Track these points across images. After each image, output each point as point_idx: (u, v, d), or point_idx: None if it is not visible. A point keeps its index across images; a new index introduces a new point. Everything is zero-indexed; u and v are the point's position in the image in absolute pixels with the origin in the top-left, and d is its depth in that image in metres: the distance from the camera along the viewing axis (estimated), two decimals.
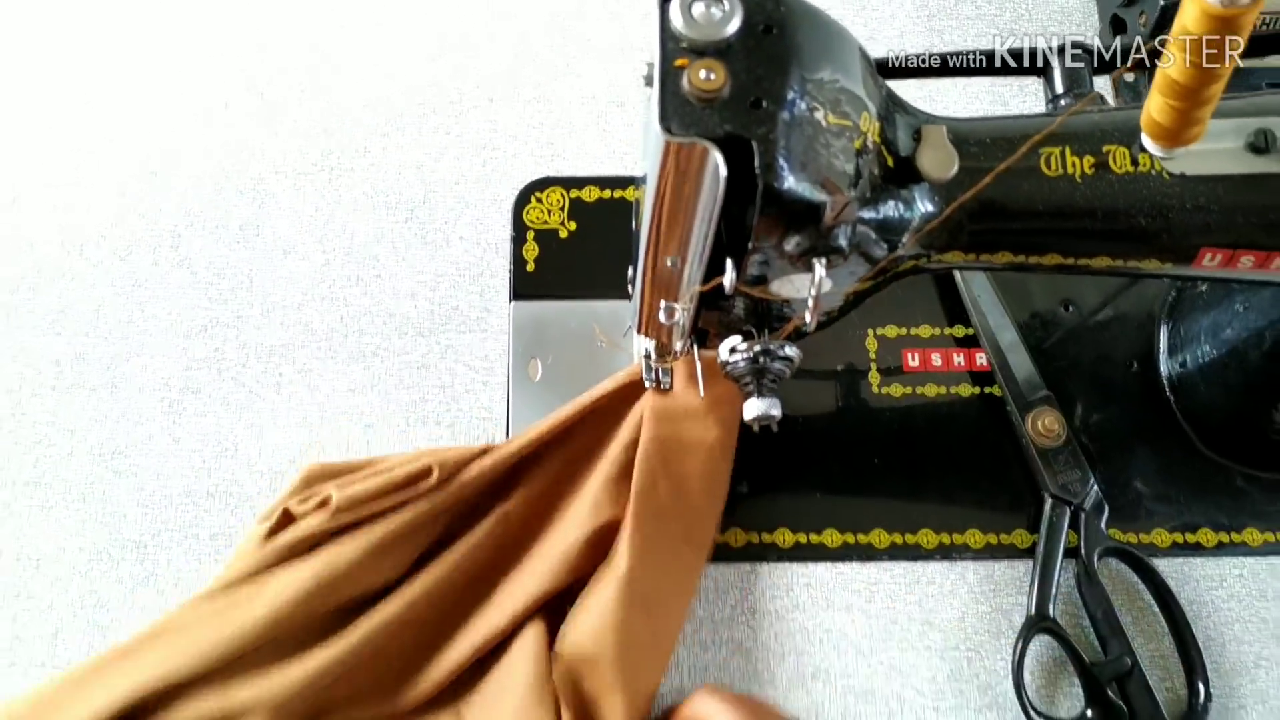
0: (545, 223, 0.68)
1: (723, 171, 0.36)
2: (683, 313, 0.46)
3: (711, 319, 0.48)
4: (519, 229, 0.68)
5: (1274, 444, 0.62)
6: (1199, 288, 0.64)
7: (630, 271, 0.54)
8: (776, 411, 0.47)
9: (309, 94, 0.70)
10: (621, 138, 0.70)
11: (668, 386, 0.61)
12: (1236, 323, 0.60)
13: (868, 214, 0.42)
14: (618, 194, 0.69)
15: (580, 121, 0.70)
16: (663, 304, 0.47)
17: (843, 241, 0.39)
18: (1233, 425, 0.63)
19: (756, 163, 0.37)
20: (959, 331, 0.66)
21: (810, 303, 0.40)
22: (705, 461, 0.60)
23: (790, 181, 0.37)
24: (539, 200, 0.69)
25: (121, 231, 0.68)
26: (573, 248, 0.68)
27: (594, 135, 0.70)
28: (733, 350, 0.48)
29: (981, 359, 0.65)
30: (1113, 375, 0.66)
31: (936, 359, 0.65)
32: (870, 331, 0.66)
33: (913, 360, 0.65)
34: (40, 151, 0.70)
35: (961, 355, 0.66)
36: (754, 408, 0.47)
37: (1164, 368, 0.65)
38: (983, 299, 0.65)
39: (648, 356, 0.60)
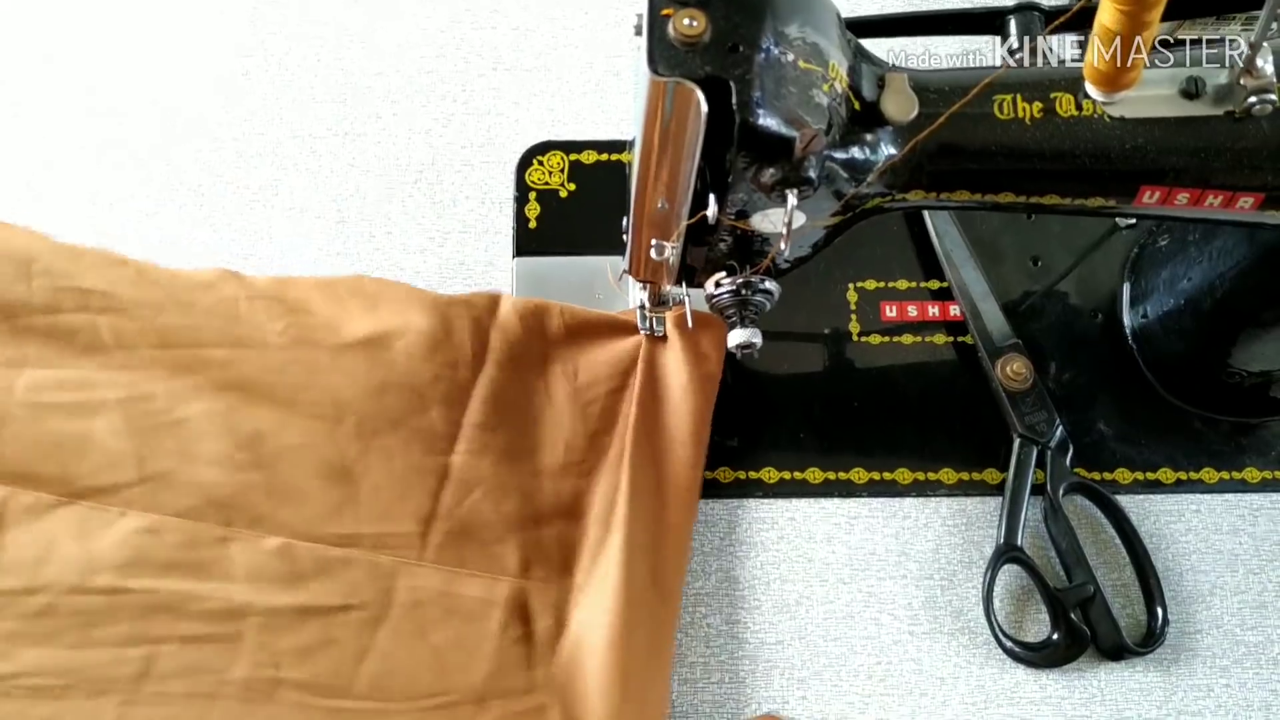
0: (546, 184, 0.72)
1: (704, 108, 0.40)
2: (672, 250, 0.51)
3: (699, 256, 0.52)
4: (521, 189, 0.72)
5: (1229, 389, 0.65)
6: (1159, 243, 0.68)
7: (624, 221, 0.58)
8: (758, 339, 0.52)
9: (324, 64, 0.74)
10: (617, 105, 0.73)
11: (661, 334, 0.65)
12: (1192, 274, 0.63)
13: (837, 154, 0.46)
14: (614, 157, 0.72)
15: (579, 89, 0.74)
16: (654, 242, 0.51)
17: (812, 173, 0.43)
18: (1190, 371, 0.67)
19: (734, 100, 0.41)
20: (933, 285, 0.70)
21: (784, 231, 0.44)
22: (685, 403, 0.63)
23: (763, 117, 0.42)
24: (540, 163, 0.72)
25: (149, 191, 0.71)
26: (572, 207, 0.72)
27: (592, 102, 0.73)
28: (718, 284, 0.52)
29: (955, 310, 0.69)
30: (1078, 326, 0.69)
31: (912, 310, 0.69)
32: (850, 285, 0.70)
33: (890, 311, 0.69)
34: (72, 116, 0.73)
35: (936, 307, 0.69)
36: (738, 336, 0.52)
37: (1126, 319, 0.69)
38: (955, 254, 0.69)
39: (642, 307, 0.65)
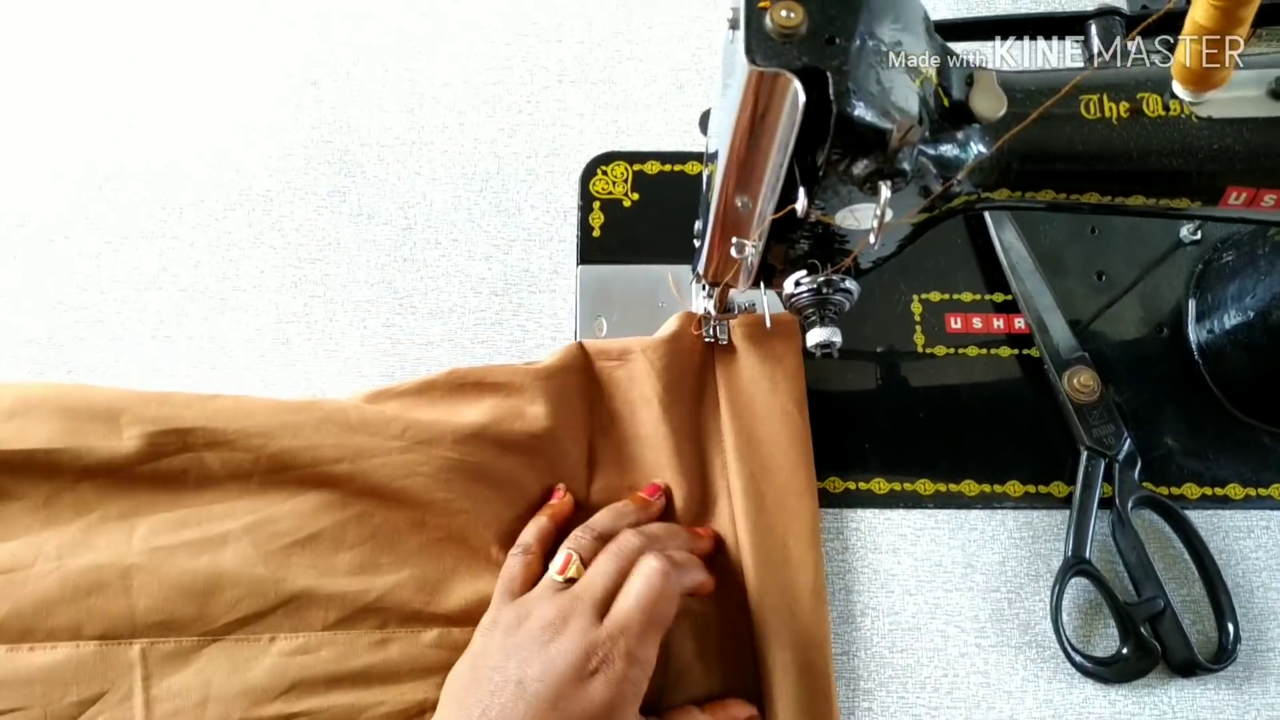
0: (610, 193, 0.72)
1: (801, 98, 0.41)
2: (752, 248, 0.51)
3: (778, 254, 0.53)
4: (585, 199, 0.72)
5: None
6: (1224, 259, 0.68)
7: (697, 225, 0.59)
8: (837, 339, 0.52)
9: (393, 74, 0.75)
10: (680, 117, 0.74)
11: (725, 341, 0.65)
12: (1260, 289, 0.63)
13: (928, 150, 0.46)
14: (677, 168, 0.73)
15: (643, 101, 0.75)
16: (734, 240, 0.51)
17: (906, 165, 0.43)
18: (1259, 387, 0.66)
19: (831, 91, 0.42)
20: (998, 297, 0.70)
21: (876, 225, 0.44)
22: (783, 422, 0.63)
23: (860, 108, 0.42)
24: (604, 173, 0.73)
25: (219, 196, 0.72)
26: (635, 217, 0.72)
27: (655, 114, 0.74)
28: (797, 283, 0.52)
29: (1020, 323, 0.69)
30: (1144, 341, 0.69)
31: (977, 322, 0.69)
32: (915, 297, 0.70)
33: (955, 323, 0.69)
34: (144, 124, 0.74)
35: (1001, 319, 0.69)
36: (817, 335, 0.52)
37: (1193, 334, 0.69)
38: (1021, 266, 0.69)
39: (707, 315, 0.65)
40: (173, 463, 0.58)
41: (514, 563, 0.57)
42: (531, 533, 0.59)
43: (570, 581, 0.54)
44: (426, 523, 0.59)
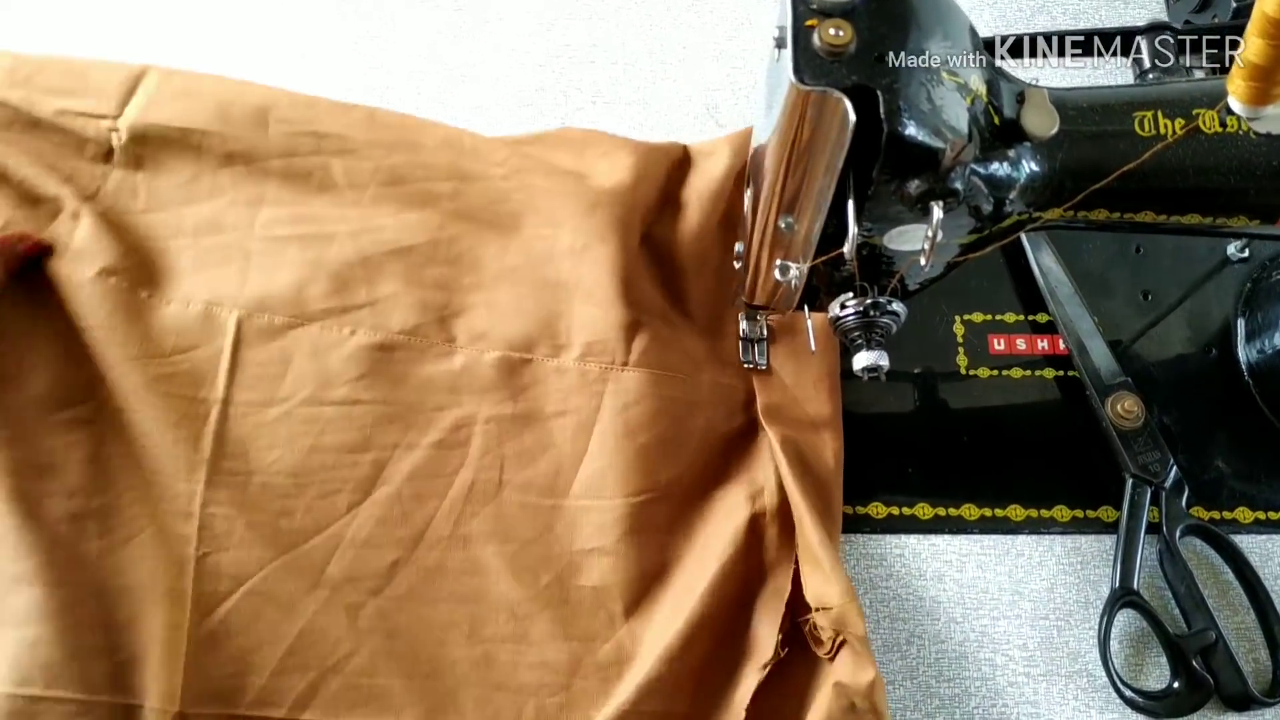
0: None
1: (852, 118, 0.40)
2: (797, 271, 0.50)
3: (823, 277, 0.52)
4: None
5: None
6: (1274, 277, 0.67)
7: (738, 247, 0.58)
8: (884, 362, 0.51)
9: (425, 97, 0.74)
10: (713, 136, 0.73)
11: (764, 367, 0.64)
12: None
13: (979, 169, 0.45)
14: None
15: (677, 124, 0.74)
16: (779, 262, 0.50)
17: (958, 184, 0.43)
18: None
19: (881, 110, 0.41)
20: (1041, 318, 0.69)
21: (927, 247, 0.43)
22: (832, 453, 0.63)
23: (912, 128, 0.41)
24: None
25: None
26: None
27: (689, 136, 0.72)
28: (843, 306, 0.51)
29: (1064, 344, 0.67)
30: (1192, 361, 0.68)
31: (1021, 343, 0.68)
32: (957, 318, 0.69)
33: (998, 345, 0.68)
34: None
35: (1045, 340, 0.68)
36: (864, 359, 0.51)
37: (1242, 354, 0.67)
38: (1060, 290, 0.68)
39: (744, 339, 0.64)
40: (305, 162, 0.64)
41: None
42: None
43: None
44: (509, 248, 0.64)
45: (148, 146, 0.63)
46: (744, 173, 0.64)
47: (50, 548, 0.53)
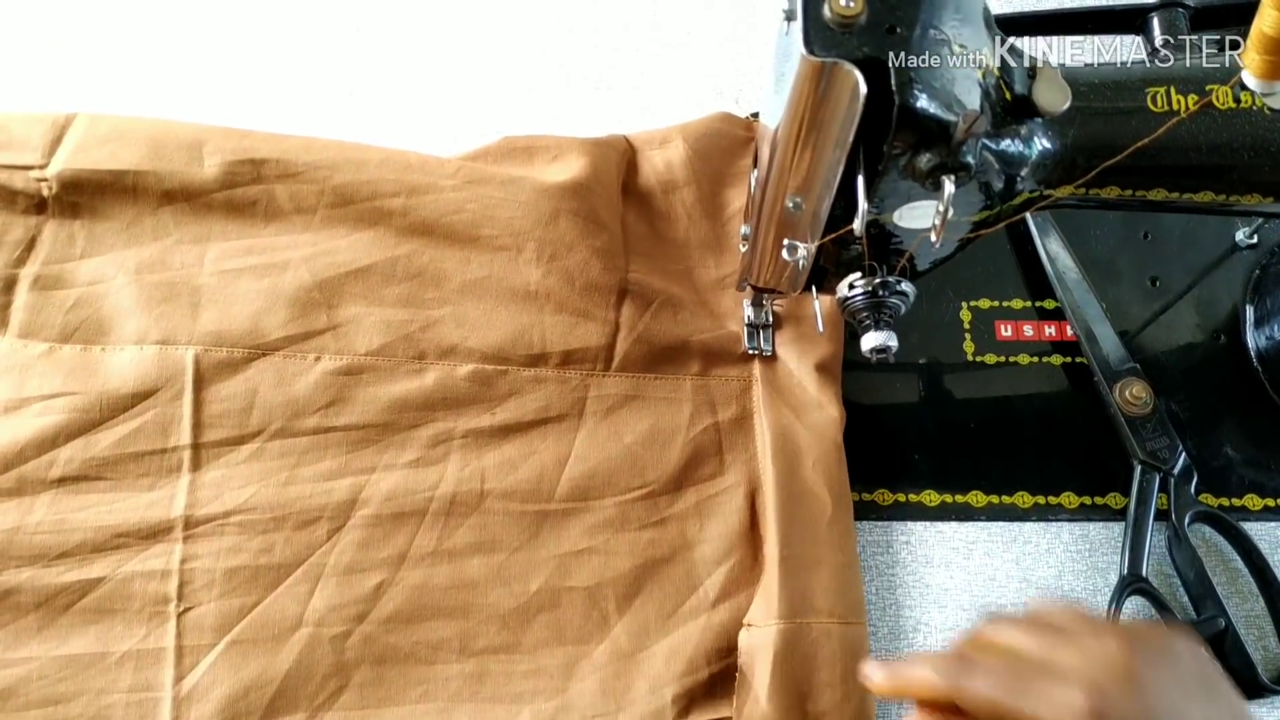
0: None
1: (863, 89, 0.39)
2: (805, 251, 0.49)
3: (831, 257, 0.51)
4: None
5: None
6: None
7: (743, 229, 0.57)
8: (893, 343, 0.50)
9: (428, 84, 0.73)
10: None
11: (769, 353, 0.64)
12: None
13: (989, 144, 0.44)
14: None
15: (681, 110, 0.72)
16: (786, 242, 0.49)
17: (970, 158, 0.42)
18: None
19: (893, 81, 0.40)
20: (1049, 304, 0.68)
21: (938, 222, 0.42)
22: (831, 442, 0.62)
23: (923, 100, 0.40)
24: None
25: None
26: None
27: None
28: (852, 286, 0.51)
29: (1071, 331, 0.67)
30: (1200, 348, 0.67)
31: (1028, 330, 0.67)
32: (964, 304, 0.68)
33: (1005, 331, 0.67)
34: None
35: (1052, 327, 0.68)
36: (872, 339, 0.50)
37: (1251, 340, 0.67)
38: (1067, 277, 0.67)
39: (751, 325, 0.64)
40: (246, 192, 0.62)
41: None
42: None
43: None
44: (471, 260, 0.63)
45: (82, 193, 0.61)
46: (702, 159, 0.66)
47: None
